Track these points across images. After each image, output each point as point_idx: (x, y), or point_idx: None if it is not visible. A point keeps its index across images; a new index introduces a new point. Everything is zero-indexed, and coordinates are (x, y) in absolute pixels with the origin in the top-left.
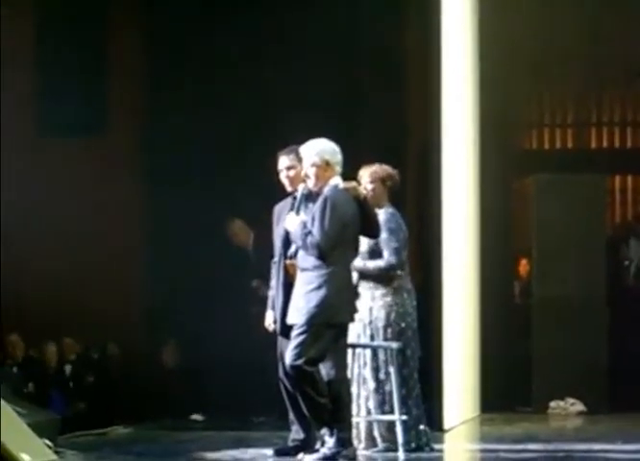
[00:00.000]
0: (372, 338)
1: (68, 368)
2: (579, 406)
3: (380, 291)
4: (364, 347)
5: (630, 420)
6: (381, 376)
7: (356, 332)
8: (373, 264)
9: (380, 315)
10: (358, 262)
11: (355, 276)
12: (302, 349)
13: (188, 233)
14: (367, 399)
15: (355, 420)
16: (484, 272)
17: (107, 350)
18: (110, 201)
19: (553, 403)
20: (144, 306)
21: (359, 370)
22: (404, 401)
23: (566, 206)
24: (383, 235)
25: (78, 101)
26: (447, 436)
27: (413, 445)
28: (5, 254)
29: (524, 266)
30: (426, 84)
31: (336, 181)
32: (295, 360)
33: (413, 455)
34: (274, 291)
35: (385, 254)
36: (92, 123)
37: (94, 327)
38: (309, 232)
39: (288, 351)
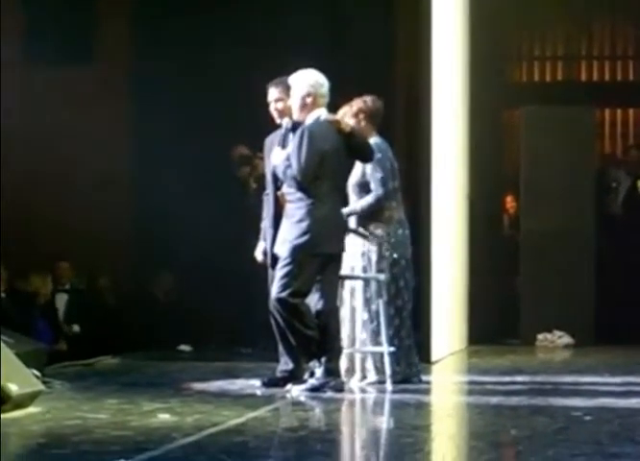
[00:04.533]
0: (365, 270)
1: (63, 297)
2: (567, 339)
3: (371, 223)
4: (353, 278)
5: (617, 352)
6: (373, 307)
7: (350, 265)
8: (362, 203)
9: (371, 247)
10: (349, 207)
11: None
12: (287, 281)
13: (178, 164)
14: (359, 330)
15: (345, 351)
16: (473, 205)
17: (97, 280)
18: (97, 129)
19: (540, 336)
20: (135, 237)
21: (352, 301)
22: (397, 332)
23: (555, 139)
24: (369, 167)
25: (65, 29)
26: (434, 368)
27: (399, 377)
28: None
29: (509, 203)
30: (416, 13)
31: (319, 112)
32: (280, 292)
33: (401, 386)
34: (265, 223)
35: (372, 186)
36: (79, 51)
37: (84, 259)
38: (289, 165)
39: (274, 284)
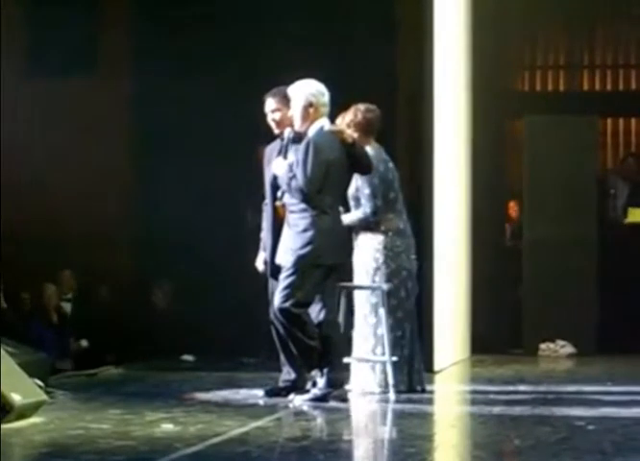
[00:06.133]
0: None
1: (67, 307)
2: (569, 348)
3: (368, 235)
4: (355, 288)
5: (620, 362)
6: (373, 318)
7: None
8: (352, 217)
9: (368, 259)
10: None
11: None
12: (289, 291)
13: (180, 171)
14: (361, 341)
15: (345, 361)
16: (476, 214)
17: (97, 289)
18: (100, 141)
19: (543, 345)
20: (135, 247)
21: (354, 313)
22: (398, 343)
23: (557, 148)
24: (360, 181)
25: (67, 40)
26: (437, 377)
27: (402, 387)
28: None
29: (513, 208)
30: (418, 23)
31: (322, 122)
32: (283, 303)
33: (404, 396)
34: (265, 233)
35: (362, 201)
36: (81, 62)
37: (84, 268)
38: (294, 176)
39: (276, 294)
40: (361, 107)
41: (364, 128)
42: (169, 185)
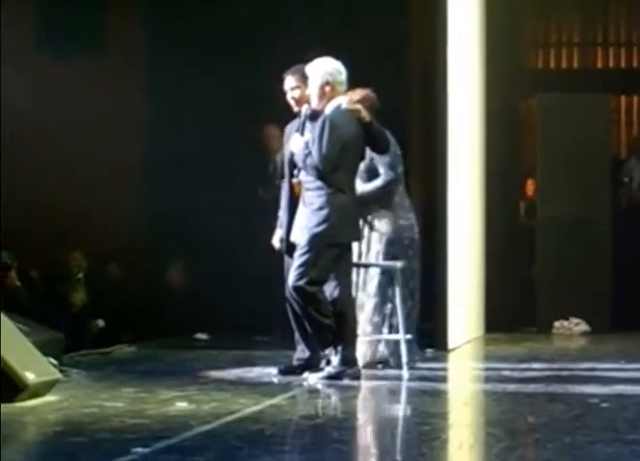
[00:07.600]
0: (375, 256)
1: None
2: (583, 326)
3: (381, 212)
4: (369, 266)
5: (633, 339)
6: (382, 293)
7: (357, 252)
8: (371, 186)
9: (381, 231)
10: (358, 190)
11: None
12: (304, 269)
13: (192, 152)
14: (367, 318)
15: (359, 339)
16: (490, 192)
17: (109, 268)
18: (111, 120)
19: (557, 323)
20: (149, 225)
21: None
22: (408, 315)
23: (571, 126)
24: (374, 153)
25: (78, 21)
26: (451, 355)
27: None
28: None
29: (530, 186)
30: (431, 1)
31: (339, 101)
32: (297, 281)
33: (417, 373)
34: (282, 210)
35: (381, 170)
36: (92, 41)
37: (97, 246)
38: (309, 153)
39: (291, 272)
40: (362, 90)
41: (369, 108)
42: (183, 164)
